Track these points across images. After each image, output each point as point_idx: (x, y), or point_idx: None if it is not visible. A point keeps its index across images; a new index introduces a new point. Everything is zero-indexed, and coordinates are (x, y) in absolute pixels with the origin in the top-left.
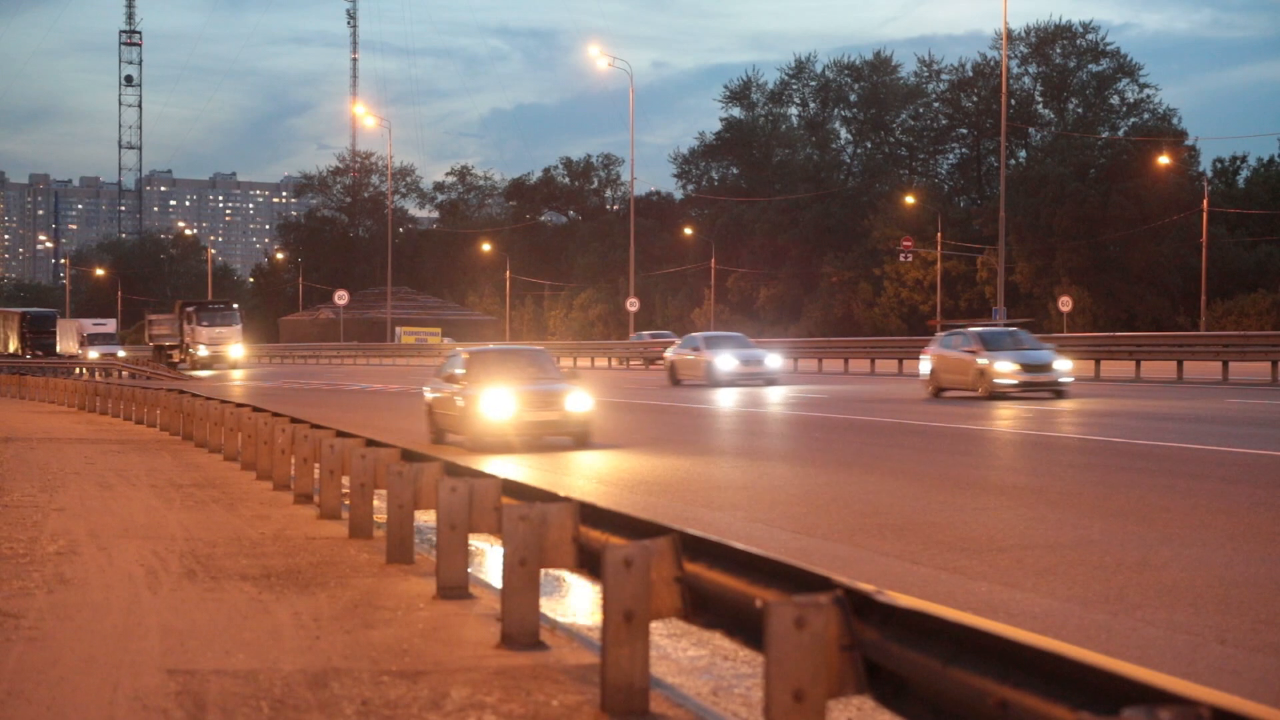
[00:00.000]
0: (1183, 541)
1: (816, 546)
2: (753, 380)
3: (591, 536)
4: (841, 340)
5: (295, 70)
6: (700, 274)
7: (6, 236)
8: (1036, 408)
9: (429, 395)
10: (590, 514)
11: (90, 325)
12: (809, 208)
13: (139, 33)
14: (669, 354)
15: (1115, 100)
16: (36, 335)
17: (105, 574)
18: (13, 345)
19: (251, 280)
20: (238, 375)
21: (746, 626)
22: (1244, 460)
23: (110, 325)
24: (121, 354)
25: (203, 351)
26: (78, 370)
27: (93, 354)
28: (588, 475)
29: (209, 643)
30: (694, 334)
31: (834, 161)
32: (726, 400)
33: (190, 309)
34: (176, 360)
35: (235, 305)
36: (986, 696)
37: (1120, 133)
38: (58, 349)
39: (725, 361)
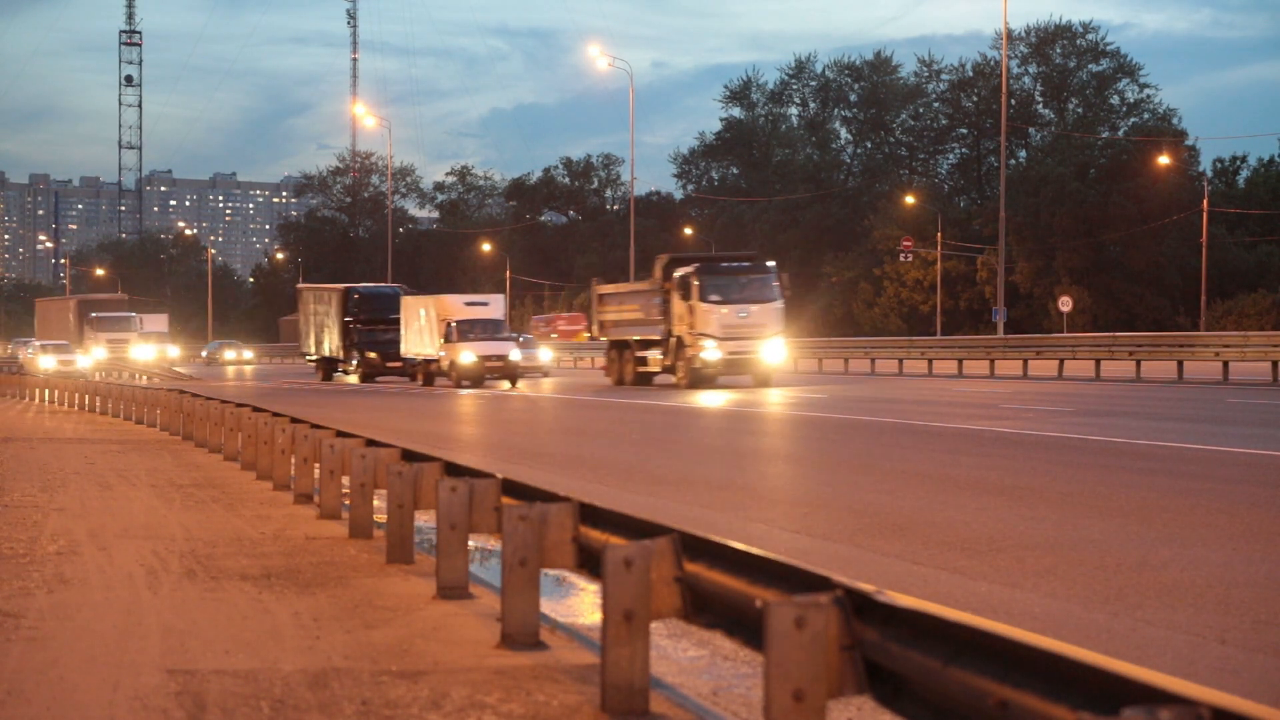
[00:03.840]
0: (1183, 541)
1: (816, 546)
2: None
3: (591, 536)
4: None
5: (295, 70)
6: None
7: (6, 236)
8: None
9: None
10: (590, 514)
11: (460, 304)
12: (809, 208)
13: (139, 33)
14: None
15: (1115, 100)
16: (369, 327)
17: (105, 574)
18: (329, 342)
19: (251, 280)
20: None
21: (746, 626)
22: (1244, 460)
23: (494, 306)
24: (517, 355)
25: (711, 354)
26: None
27: (466, 356)
28: None
29: (209, 643)
30: None
31: (834, 161)
32: None
33: (688, 271)
34: (658, 368)
35: (771, 264)
36: (986, 696)
37: (1120, 133)
38: (402, 349)
39: None
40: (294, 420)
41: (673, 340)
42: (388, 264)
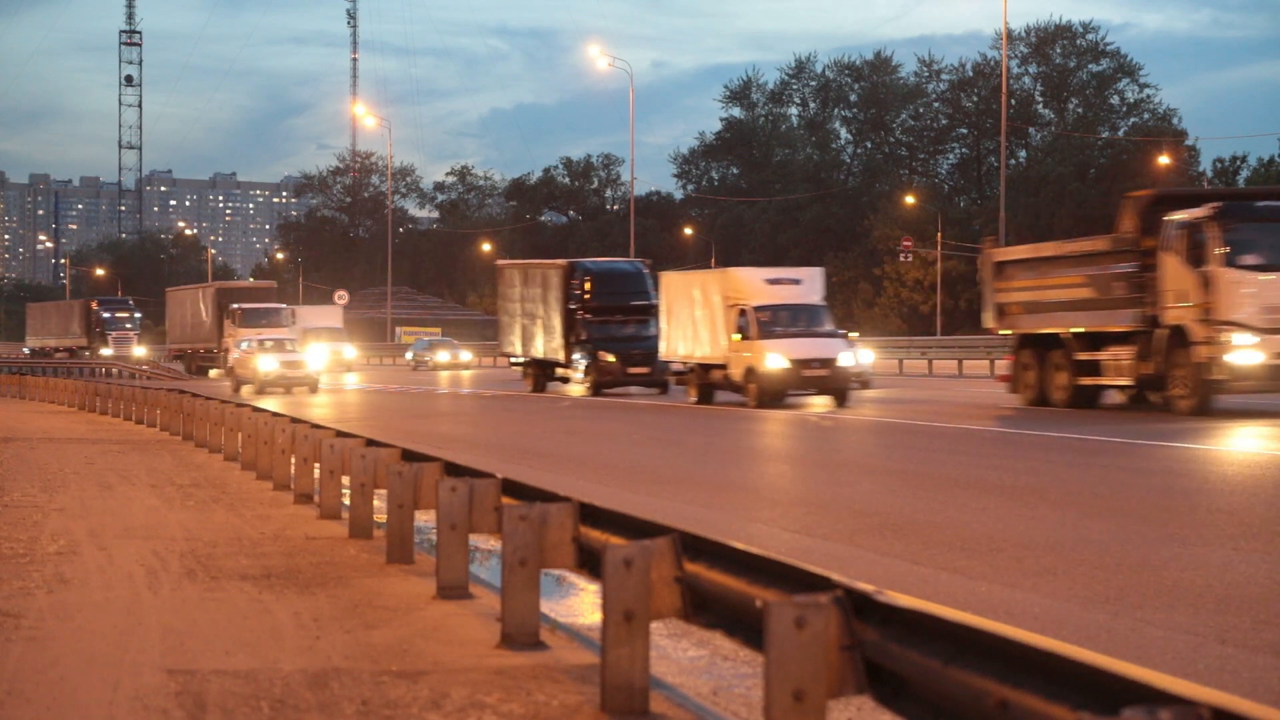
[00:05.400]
0: (1183, 541)
1: (816, 546)
2: None
3: (591, 536)
4: None
5: (295, 70)
6: None
7: (6, 236)
8: None
9: None
10: (590, 514)
11: (760, 282)
12: (809, 208)
13: (139, 33)
14: None
15: (1115, 100)
16: (603, 318)
17: (105, 574)
18: (544, 340)
19: (252, 280)
20: None
21: (746, 626)
22: (1243, 460)
23: (809, 285)
24: (849, 360)
25: (1244, 354)
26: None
27: (774, 360)
28: None
29: (209, 643)
30: None
31: (834, 161)
32: None
33: (1201, 216)
34: (1125, 378)
35: None
36: (986, 696)
37: (1120, 133)
38: (663, 348)
39: None
40: (294, 420)
41: (1161, 333)
42: (388, 264)
